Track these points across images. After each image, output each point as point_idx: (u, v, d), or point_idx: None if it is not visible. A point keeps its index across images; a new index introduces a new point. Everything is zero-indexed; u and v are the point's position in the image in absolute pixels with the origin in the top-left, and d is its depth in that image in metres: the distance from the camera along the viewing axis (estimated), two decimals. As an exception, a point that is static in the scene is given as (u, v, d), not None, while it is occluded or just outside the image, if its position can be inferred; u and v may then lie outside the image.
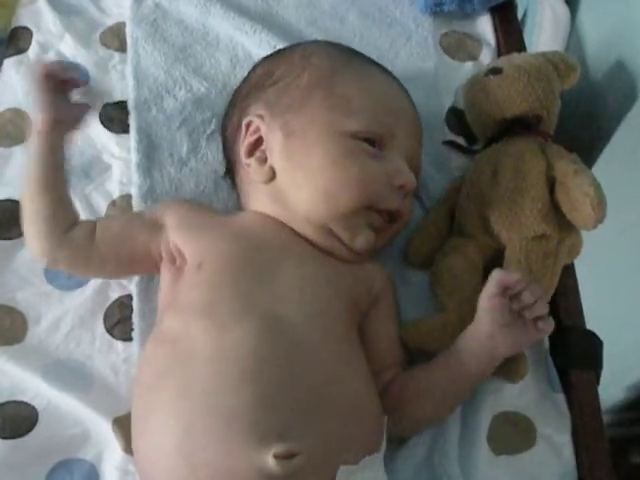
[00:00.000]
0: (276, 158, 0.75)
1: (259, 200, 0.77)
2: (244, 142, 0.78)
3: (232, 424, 0.60)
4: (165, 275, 0.75)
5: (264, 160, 0.76)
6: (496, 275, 0.68)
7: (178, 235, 0.75)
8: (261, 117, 0.77)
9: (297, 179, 0.74)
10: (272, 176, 0.76)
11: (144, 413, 0.66)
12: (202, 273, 0.70)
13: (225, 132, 0.84)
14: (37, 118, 0.77)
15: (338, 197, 0.73)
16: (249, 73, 0.86)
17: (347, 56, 0.82)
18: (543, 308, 0.69)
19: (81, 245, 0.75)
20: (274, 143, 0.76)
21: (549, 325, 0.69)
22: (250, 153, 0.77)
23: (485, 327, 0.69)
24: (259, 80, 0.81)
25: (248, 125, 0.78)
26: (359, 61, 0.82)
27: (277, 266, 0.71)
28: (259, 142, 0.77)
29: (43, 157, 0.76)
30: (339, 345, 0.68)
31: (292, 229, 0.75)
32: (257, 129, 0.77)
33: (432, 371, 0.72)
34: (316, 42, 0.87)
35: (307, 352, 0.65)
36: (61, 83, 0.79)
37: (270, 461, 0.58)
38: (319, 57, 0.80)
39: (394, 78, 0.83)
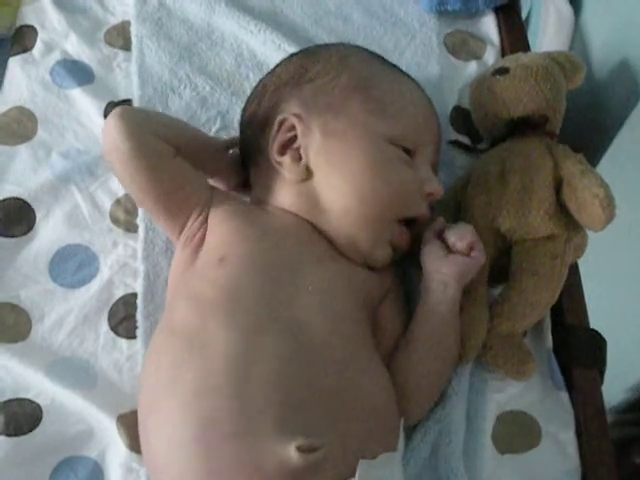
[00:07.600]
0: (312, 157, 0.75)
1: (283, 196, 0.77)
2: (276, 139, 0.77)
3: (257, 420, 0.60)
4: (178, 254, 0.75)
5: (298, 159, 0.76)
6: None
7: (214, 216, 0.74)
8: (297, 116, 0.76)
9: (334, 180, 0.74)
10: (307, 175, 0.75)
11: (158, 404, 0.65)
12: (223, 269, 0.70)
13: (248, 126, 0.82)
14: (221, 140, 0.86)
15: (373, 201, 0.73)
16: (276, 68, 0.84)
17: (379, 61, 0.82)
18: (470, 237, 0.73)
19: (152, 152, 0.73)
20: (311, 142, 0.75)
21: (480, 253, 0.74)
22: (282, 151, 0.76)
23: (428, 266, 0.74)
24: (292, 77, 0.79)
25: (281, 122, 0.77)
26: (389, 67, 0.83)
27: (298, 267, 0.71)
28: (292, 140, 0.76)
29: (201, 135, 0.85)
30: (357, 347, 0.69)
31: (314, 227, 0.75)
32: (292, 127, 0.76)
33: (416, 325, 0.73)
34: (347, 44, 0.86)
35: (329, 356, 0.65)
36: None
37: (292, 453, 0.58)
38: (355, 60, 0.80)
39: (419, 85, 0.83)
